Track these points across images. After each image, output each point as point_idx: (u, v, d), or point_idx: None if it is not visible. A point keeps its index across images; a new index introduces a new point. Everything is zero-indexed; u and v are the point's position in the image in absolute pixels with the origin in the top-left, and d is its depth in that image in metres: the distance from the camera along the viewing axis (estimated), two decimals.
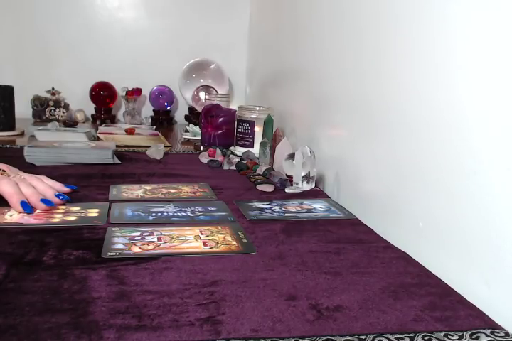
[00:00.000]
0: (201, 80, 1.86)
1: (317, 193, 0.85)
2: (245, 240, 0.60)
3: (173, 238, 0.60)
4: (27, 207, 0.66)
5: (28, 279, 0.47)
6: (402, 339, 0.39)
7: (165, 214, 0.70)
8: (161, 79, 1.91)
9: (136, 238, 0.59)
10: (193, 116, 1.83)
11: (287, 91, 1.30)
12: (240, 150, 1.18)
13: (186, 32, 1.94)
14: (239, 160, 1.08)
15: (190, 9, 1.94)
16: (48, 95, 1.83)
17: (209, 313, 0.42)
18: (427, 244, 0.59)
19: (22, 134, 1.45)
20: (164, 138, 1.44)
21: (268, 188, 0.86)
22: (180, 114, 1.99)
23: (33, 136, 1.36)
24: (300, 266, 0.53)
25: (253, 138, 1.18)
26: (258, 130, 1.17)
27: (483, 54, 0.50)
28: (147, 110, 1.95)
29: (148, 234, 0.61)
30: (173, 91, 1.92)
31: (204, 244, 0.58)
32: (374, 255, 0.57)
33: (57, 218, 0.65)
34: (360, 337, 0.39)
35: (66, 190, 0.75)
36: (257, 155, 1.10)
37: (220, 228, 0.64)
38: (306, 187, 0.86)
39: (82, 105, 1.88)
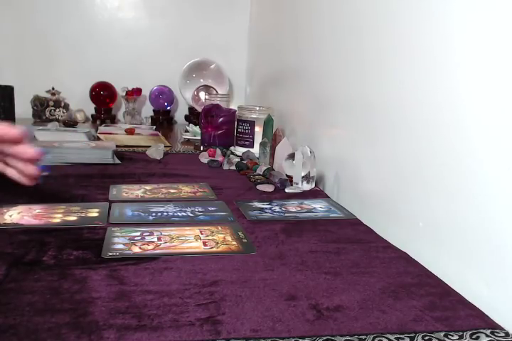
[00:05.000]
0: (201, 80, 1.86)
1: (317, 193, 0.85)
2: (245, 240, 0.60)
3: (173, 238, 0.60)
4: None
5: (28, 279, 0.47)
6: (402, 339, 0.39)
7: (165, 214, 0.70)
8: (161, 79, 1.91)
9: (136, 238, 0.59)
10: (193, 116, 1.83)
11: (287, 91, 1.30)
12: (240, 150, 1.18)
13: (186, 32, 1.94)
14: (239, 160, 1.08)
15: (190, 9, 1.94)
16: (48, 95, 1.83)
17: (209, 313, 0.42)
18: (427, 244, 0.59)
19: None
20: (164, 138, 1.44)
21: (268, 188, 0.86)
22: (180, 114, 1.99)
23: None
24: (300, 266, 0.53)
25: (253, 138, 1.18)
26: (258, 130, 1.17)
27: (483, 53, 0.50)
28: (147, 110, 1.95)
29: (148, 234, 0.61)
30: (173, 92, 1.92)
31: (204, 244, 0.58)
32: (374, 255, 0.57)
33: (57, 218, 0.65)
34: (360, 337, 0.39)
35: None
36: (257, 155, 1.09)
37: (220, 228, 0.64)
38: (306, 187, 0.86)
39: (82, 105, 1.87)
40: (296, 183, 0.86)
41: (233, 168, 1.04)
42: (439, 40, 0.58)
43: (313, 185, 0.87)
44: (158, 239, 0.59)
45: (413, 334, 0.40)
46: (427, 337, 0.39)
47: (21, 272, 0.48)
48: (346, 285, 0.49)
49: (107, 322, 0.39)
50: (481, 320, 0.43)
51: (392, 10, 0.71)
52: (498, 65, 0.48)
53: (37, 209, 0.68)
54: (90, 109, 1.87)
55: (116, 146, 1.15)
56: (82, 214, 0.67)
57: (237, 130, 1.22)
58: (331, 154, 0.93)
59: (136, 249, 0.55)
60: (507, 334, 0.40)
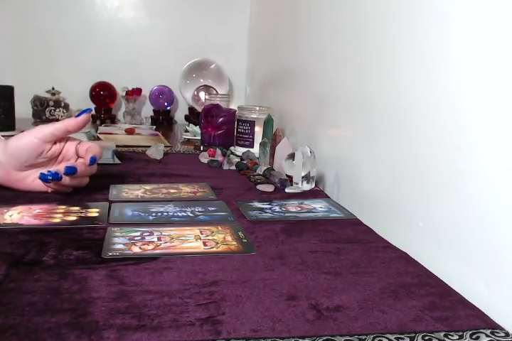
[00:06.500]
0: (201, 80, 1.86)
1: (317, 193, 0.85)
2: (245, 240, 0.60)
3: (173, 238, 0.60)
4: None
5: (28, 279, 0.47)
6: (402, 339, 0.39)
7: (165, 214, 0.70)
8: (161, 79, 1.91)
9: (136, 238, 0.59)
10: (193, 116, 1.83)
11: (287, 91, 1.30)
12: (239, 150, 1.18)
13: (186, 32, 1.94)
14: (239, 160, 1.08)
15: (190, 9, 1.94)
16: (48, 95, 1.83)
17: (209, 313, 0.42)
18: (427, 244, 0.59)
19: None
20: (164, 138, 1.44)
21: (268, 188, 0.86)
22: (180, 114, 1.99)
23: None
24: (300, 266, 0.53)
25: (253, 138, 1.18)
26: (258, 130, 1.17)
27: (483, 53, 0.50)
28: (147, 110, 1.95)
29: (148, 234, 0.61)
30: (173, 92, 1.92)
31: (204, 244, 0.58)
32: (374, 255, 0.57)
33: (57, 218, 0.65)
34: (360, 337, 0.39)
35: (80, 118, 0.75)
36: (257, 155, 1.09)
37: (220, 228, 0.64)
38: (306, 187, 0.86)
39: (82, 105, 1.87)
40: (296, 183, 0.86)
41: (233, 168, 1.04)
42: (438, 39, 0.58)
43: (313, 185, 0.87)
44: (158, 239, 0.59)
45: (413, 334, 0.40)
46: (427, 337, 0.39)
47: (21, 272, 0.48)
48: (346, 285, 0.49)
49: (107, 322, 0.39)
50: (481, 320, 0.43)
51: (392, 10, 0.71)
52: (497, 63, 0.48)
53: (37, 209, 0.68)
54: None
55: (116, 146, 1.15)
56: (82, 214, 0.67)
57: (237, 130, 1.22)
58: (331, 154, 0.93)
59: (136, 249, 0.55)
60: (507, 334, 0.40)
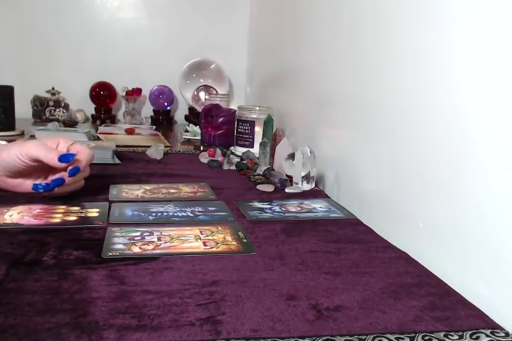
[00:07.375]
0: (201, 80, 1.86)
1: (317, 193, 0.85)
2: (245, 240, 0.60)
3: (173, 238, 0.60)
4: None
5: (28, 279, 0.47)
6: (402, 339, 0.39)
7: (165, 214, 0.70)
8: (161, 79, 1.91)
9: (136, 238, 0.59)
10: (193, 116, 1.83)
11: (287, 91, 1.30)
12: (239, 150, 1.18)
13: (186, 32, 1.94)
14: (239, 160, 1.08)
15: (190, 9, 1.94)
16: (48, 95, 1.83)
17: (209, 313, 0.42)
18: (427, 244, 0.59)
19: (22, 134, 1.45)
20: (164, 138, 1.44)
21: (268, 188, 0.86)
22: (180, 114, 1.99)
23: (33, 135, 1.36)
24: (300, 266, 0.53)
25: (253, 138, 1.18)
26: (258, 130, 1.17)
27: (483, 53, 0.50)
28: (147, 110, 1.95)
29: (148, 234, 0.61)
30: (173, 92, 1.92)
31: (204, 244, 0.58)
32: (374, 255, 0.57)
33: (57, 218, 0.65)
34: (360, 337, 0.39)
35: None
36: (257, 155, 1.09)
37: (220, 228, 0.64)
38: (306, 187, 0.86)
39: (82, 105, 1.88)
40: (296, 183, 0.86)
41: (233, 168, 1.04)
42: (439, 41, 0.58)
43: (313, 185, 0.87)
44: (158, 239, 0.59)
45: (413, 334, 0.40)
46: (427, 337, 0.39)
47: (21, 272, 0.48)
48: (346, 285, 0.49)
49: (107, 322, 0.39)
50: (481, 320, 0.43)
51: (392, 11, 0.71)
52: (498, 64, 0.48)
53: (37, 209, 0.68)
54: (90, 109, 1.88)
55: (116, 146, 1.15)
56: (82, 214, 0.67)
57: (237, 130, 1.22)
58: (331, 154, 0.93)
59: (136, 249, 0.55)
60: (507, 334, 0.40)
